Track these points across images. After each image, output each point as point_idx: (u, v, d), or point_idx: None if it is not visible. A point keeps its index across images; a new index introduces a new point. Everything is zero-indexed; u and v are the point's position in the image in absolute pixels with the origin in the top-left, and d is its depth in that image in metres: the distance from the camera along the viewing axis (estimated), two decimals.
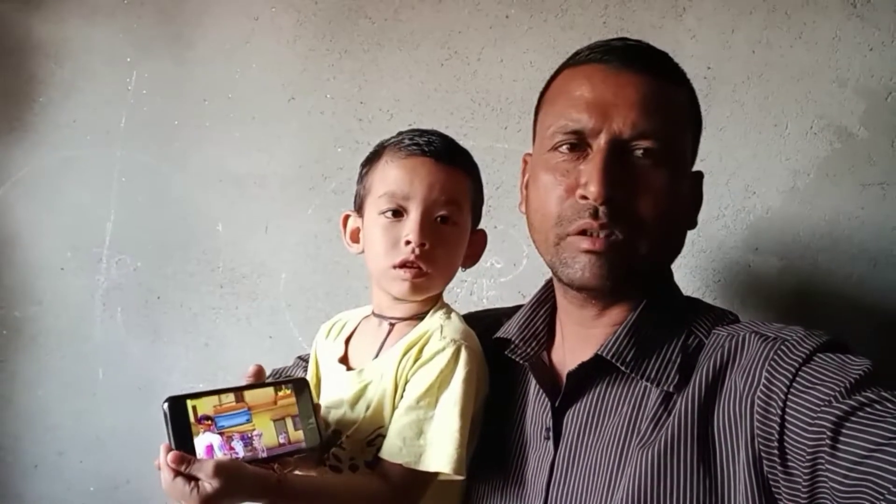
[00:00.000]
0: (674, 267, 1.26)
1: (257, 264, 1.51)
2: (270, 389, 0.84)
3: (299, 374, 1.13)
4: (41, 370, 1.58)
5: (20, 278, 1.60)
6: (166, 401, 0.78)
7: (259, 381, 0.91)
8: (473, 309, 1.17)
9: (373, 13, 1.46)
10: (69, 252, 1.59)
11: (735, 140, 1.27)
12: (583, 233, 0.80)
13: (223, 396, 0.81)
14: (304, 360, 1.17)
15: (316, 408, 0.88)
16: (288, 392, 0.85)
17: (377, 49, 1.45)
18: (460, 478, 0.85)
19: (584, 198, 0.79)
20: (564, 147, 0.83)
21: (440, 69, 1.42)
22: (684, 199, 0.86)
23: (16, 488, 1.57)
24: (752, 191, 1.26)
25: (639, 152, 0.80)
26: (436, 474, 0.86)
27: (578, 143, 0.82)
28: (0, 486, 1.58)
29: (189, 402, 0.79)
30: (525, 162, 0.95)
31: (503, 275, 1.37)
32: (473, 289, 1.39)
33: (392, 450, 0.86)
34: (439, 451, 0.84)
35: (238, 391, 0.83)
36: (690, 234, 1.25)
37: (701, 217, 1.24)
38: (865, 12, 1.21)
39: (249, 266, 1.51)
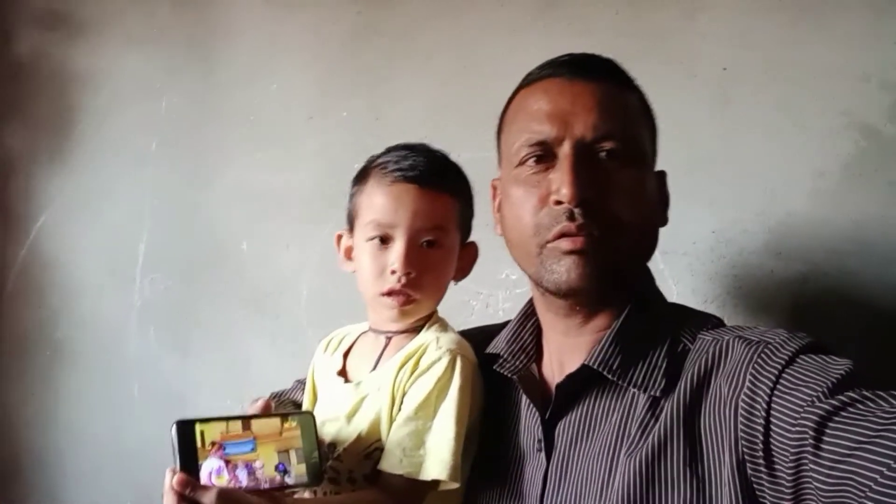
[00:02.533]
0: (691, 274, 1.25)
1: (280, 281, 1.54)
2: (277, 420, 0.85)
3: (298, 395, 1.14)
4: (81, 387, 1.64)
5: (62, 300, 1.68)
6: (175, 424, 0.79)
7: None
8: (490, 321, 1.16)
9: (386, 30, 1.48)
10: (106, 273, 1.66)
11: (754, 141, 1.22)
12: (562, 237, 0.81)
13: (231, 423, 0.82)
14: (302, 382, 1.18)
15: (320, 443, 0.88)
16: (293, 425, 0.85)
17: (391, 65, 1.47)
18: (455, 485, 0.85)
19: (559, 203, 0.80)
20: (531, 160, 0.84)
21: (454, 82, 1.42)
22: (653, 197, 0.88)
23: (60, 502, 1.63)
24: (774, 193, 1.21)
25: (603, 154, 0.82)
26: (434, 483, 0.86)
27: (544, 154, 0.83)
28: (46, 500, 1.64)
29: (198, 427, 0.80)
30: (494, 188, 0.96)
31: (518, 286, 1.35)
32: (489, 301, 1.37)
33: (392, 461, 0.87)
34: (438, 460, 0.85)
35: (245, 419, 0.83)
36: (709, 240, 1.24)
37: (719, 222, 1.22)
38: (888, 4, 1.15)
39: (272, 283, 1.54)
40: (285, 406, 1.10)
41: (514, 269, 1.34)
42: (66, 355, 1.66)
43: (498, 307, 1.37)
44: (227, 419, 0.82)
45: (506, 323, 1.03)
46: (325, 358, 1.07)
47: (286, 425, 0.85)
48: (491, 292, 1.37)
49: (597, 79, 0.85)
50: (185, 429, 0.79)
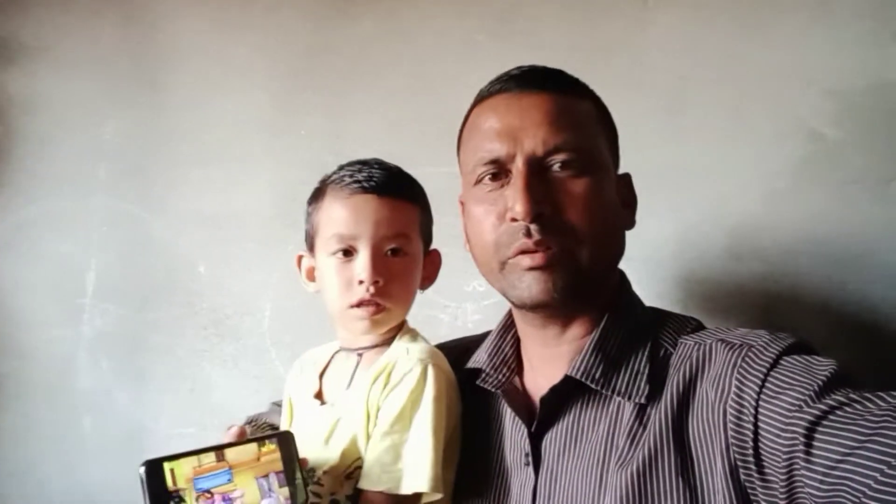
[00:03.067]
0: (655, 278, 1.27)
1: (240, 304, 1.50)
2: (253, 445, 0.81)
3: (275, 418, 1.11)
4: (28, 426, 1.55)
5: (3, 334, 1.59)
6: (143, 464, 0.75)
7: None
8: (460, 334, 1.16)
9: (341, 48, 1.48)
10: (52, 305, 1.58)
11: (709, 147, 1.27)
12: (522, 253, 0.81)
13: (203, 456, 0.78)
14: (277, 405, 1.15)
15: (301, 462, 0.85)
16: (272, 447, 0.82)
17: (347, 83, 1.47)
18: (439, 496, 0.84)
19: (515, 219, 0.81)
20: (487, 178, 0.85)
21: (412, 99, 1.43)
22: (613, 202, 0.87)
23: None
24: (730, 197, 1.25)
25: (556, 166, 0.82)
26: (416, 496, 0.85)
27: (499, 172, 0.84)
28: None
29: (166, 465, 0.76)
30: (462, 204, 0.96)
31: (486, 298, 1.36)
32: (458, 314, 1.37)
33: (371, 478, 0.85)
34: (417, 472, 0.84)
35: (218, 450, 0.80)
36: (670, 245, 1.27)
37: (680, 226, 1.26)
38: (829, 12, 1.22)
39: (232, 306, 1.50)
40: (262, 430, 1.07)
41: (482, 281, 1.33)
42: (10, 392, 1.56)
43: (467, 319, 1.37)
44: (199, 452, 0.78)
45: (485, 334, 1.03)
46: (301, 380, 1.04)
47: (264, 449, 0.81)
48: (459, 305, 1.37)
49: (546, 90, 0.85)
50: (154, 469, 0.75)
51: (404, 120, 1.43)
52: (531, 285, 0.81)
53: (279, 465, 0.81)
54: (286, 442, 0.83)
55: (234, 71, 1.55)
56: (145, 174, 1.57)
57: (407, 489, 0.84)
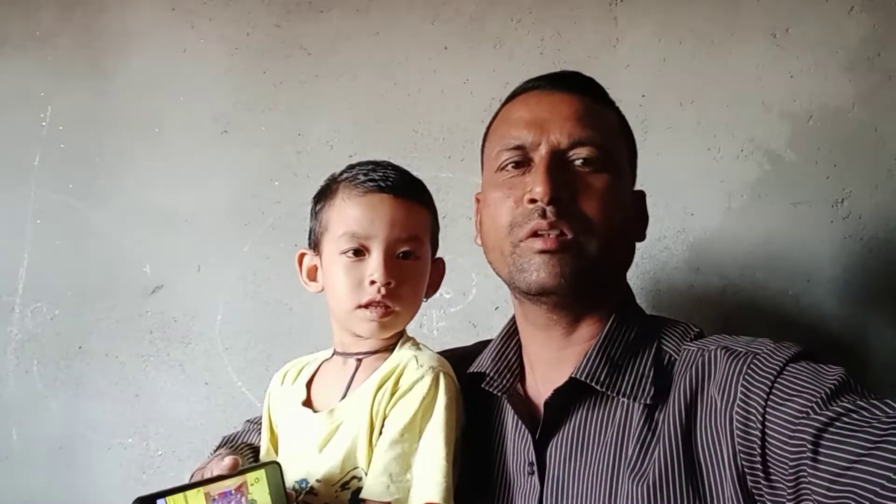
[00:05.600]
0: None
1: (190, 307, 1.43)
2: (243, 478, 0.79)
3: (253, 438, 1.06)
4: None
5: None
6: (135, 502, 0.72)
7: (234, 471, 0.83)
8: (424, 341, 1.14)
9: (308, 44, 1.44)
10: None
11: (672, 164, 1.31)
12: (534, 235, 0.83)
13: (192, 493, 0.75)
14: (253, 422, 1.10)
15: (290, 496, 0.82)
16: (260, 479, 0.80)
17: (314, 80, 1.43)
18: None
19: (532, 201, 0.83)
20: (510, 165, 0.88)
21: (381, 100, 1.41)
22: (627, 208, 0.90)
23: None
24: (691, 212, 1.30)
25: (578, 161, 0.85)
26: None
27: (522, 160, 0.87)
28: None
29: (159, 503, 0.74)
30: (477, 200, 0.97)
31: (452, 305, 1.35)
32: (423, 320, 1.35)
33: (378, 488, 0.82)
34: (428, 482, 0.82)
35: (209, 483, 0.77)
36: (635, 257, 1.30)
37: (645, 240, 1.29)
38: (785, 42, 1.29)
39: (181, 309, 1.43)
40: (241, 451, 1.00)
41: (449, 288, 1.36)
42: None
43: (432, 326, 1.35)
44: (188, 488, 0.76)
45: (480, 343, 1.02)
46: (284, 390, 1.00)
47: (252, 481, 0.79)
48: (425, 311, 1.35)
49: (575, 91, 0.89)
50: None
51: (373, 120, 1.41)
52: (540, 268, 0.82)
53: (267, 500, 0.79)
54: (273, 473, 0.81)
55: (189, 60, 1.48)
56: (87, 164, 1.48)
57: (417, 500, 0.81)
